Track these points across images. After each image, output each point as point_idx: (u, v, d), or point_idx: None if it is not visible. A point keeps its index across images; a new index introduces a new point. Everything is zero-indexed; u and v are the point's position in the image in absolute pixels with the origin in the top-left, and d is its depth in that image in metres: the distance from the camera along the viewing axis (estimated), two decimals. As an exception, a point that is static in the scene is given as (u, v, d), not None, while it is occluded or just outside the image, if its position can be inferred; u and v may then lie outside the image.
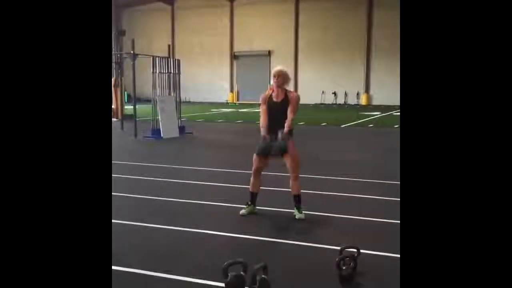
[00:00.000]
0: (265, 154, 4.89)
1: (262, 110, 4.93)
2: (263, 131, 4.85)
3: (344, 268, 3.40)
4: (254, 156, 4.97)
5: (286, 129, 4.73)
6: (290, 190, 4.97)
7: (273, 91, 4.92)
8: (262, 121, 4.89)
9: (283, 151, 4.79)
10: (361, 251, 3.65)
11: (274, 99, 4.88)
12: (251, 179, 5.05)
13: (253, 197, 5.06)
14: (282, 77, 4.85)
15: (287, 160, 4.85)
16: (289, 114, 4.79)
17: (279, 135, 4.73)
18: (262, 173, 5.09)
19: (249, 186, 5.10)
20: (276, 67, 4.96)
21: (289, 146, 4.79)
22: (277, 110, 4.83)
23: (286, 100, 4.83)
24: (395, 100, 25.66)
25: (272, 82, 4.95)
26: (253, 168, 5.02)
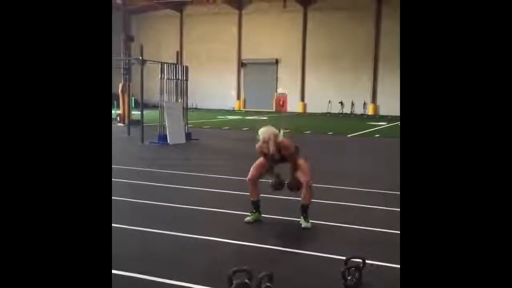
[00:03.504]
0: (277, 187, 4.99)
1: (257, 162, 4.93)
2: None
3: (349, 278, 3.38)
4: (254, 165, 4.97)
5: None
6: (296, 198, 4.95)
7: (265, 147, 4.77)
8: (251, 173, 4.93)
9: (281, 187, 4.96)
10: (367, 261, 3.63)
11: (271, 153, 4.74)
12: (249, 187, 5.02)
13: (255, 205, 5.03)
14: (273, 141, 4.63)
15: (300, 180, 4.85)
16: (300, 175, 4.80)
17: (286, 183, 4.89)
18: (264, 180, 5.08)
19: (253, 194, 5.09)
20: (261, 131, 4.67)
21: (300, 174, 4.83)
22: (276, 161, 4.87)
23: (282, 156, 4.78)
24: (402, 110, 25.56)
25: (264, 145, 4.72)
26: (248, 177, 4.97)
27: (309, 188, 4.81)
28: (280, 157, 4.79)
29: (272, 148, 4.65)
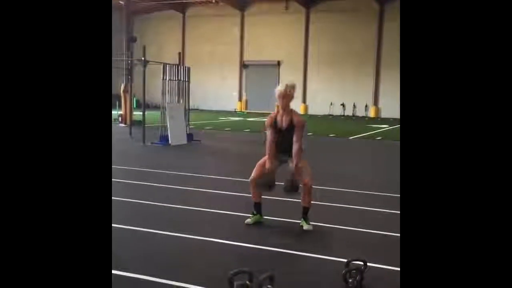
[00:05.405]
0: (266, 187, 4.80)
1: (267, 134, 4.88)
2: (267, 157, 4.84)
3: (350, 280, 3.37)
4: (257, 165, 4.94)
5: (295, 161, 4.69)
6: (298, 200, 4.94)
7: (278, 112, 4.81)
8: (267, 147, 4.85)
9: (295, 190, 4.76)
10: (368, 264, 3.62)
11: (279, 125, 4.76)
12: (251, 189, 4.99)
13: (257, 207, 5.01)
14: (287, 98, 4.71)
15: (301, 179, 4.76)
16: (296, 144, 4.67)
17: (289, 164, 4.72)
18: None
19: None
20: (279, 87, 4.74)
21: (302, 173, 4.71)
22: (283, 137, 4.76)
23: (292, 126, 4.72)
24: (404, 113, 25.53)
25: (276, 103, 4.84)
26: (250, 177, 4.92)
27: (310, 190, 4.80)
28: (289, 124, 4.71)
29: (285, 102, 4.66)
